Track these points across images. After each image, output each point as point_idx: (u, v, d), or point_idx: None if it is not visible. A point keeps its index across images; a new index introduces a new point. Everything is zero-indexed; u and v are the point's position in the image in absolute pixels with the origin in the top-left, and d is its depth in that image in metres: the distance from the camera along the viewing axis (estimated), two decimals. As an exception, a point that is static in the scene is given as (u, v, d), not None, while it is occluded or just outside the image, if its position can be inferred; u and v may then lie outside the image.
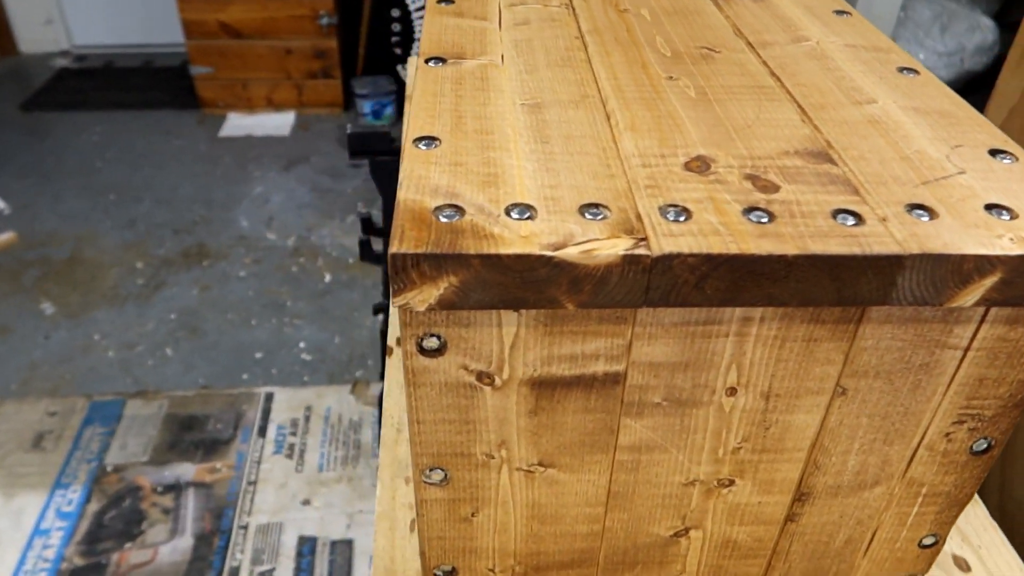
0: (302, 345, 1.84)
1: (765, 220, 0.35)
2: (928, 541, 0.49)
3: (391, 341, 0.77)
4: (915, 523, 0.48)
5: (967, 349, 0.39)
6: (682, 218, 0.34)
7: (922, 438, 0.43)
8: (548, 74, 0.47)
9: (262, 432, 1.58)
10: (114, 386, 1.68)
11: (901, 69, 0.50)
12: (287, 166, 2.57)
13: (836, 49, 0.53)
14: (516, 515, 0.45)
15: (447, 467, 0.42)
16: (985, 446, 0.44)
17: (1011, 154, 0.41)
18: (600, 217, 0.34)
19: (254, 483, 1.47)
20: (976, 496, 0.61)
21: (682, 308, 0.36)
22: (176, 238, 2.17)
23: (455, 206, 0.35)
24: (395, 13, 2.65)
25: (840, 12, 0.59)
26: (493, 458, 0.42)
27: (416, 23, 2.67)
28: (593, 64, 0.49)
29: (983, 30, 2.85)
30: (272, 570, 1.32)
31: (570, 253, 0.32)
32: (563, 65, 0.49)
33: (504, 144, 0.40)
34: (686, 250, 0.32)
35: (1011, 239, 0.34)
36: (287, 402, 1.67)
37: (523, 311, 0.35)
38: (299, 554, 1.35)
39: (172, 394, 1.66)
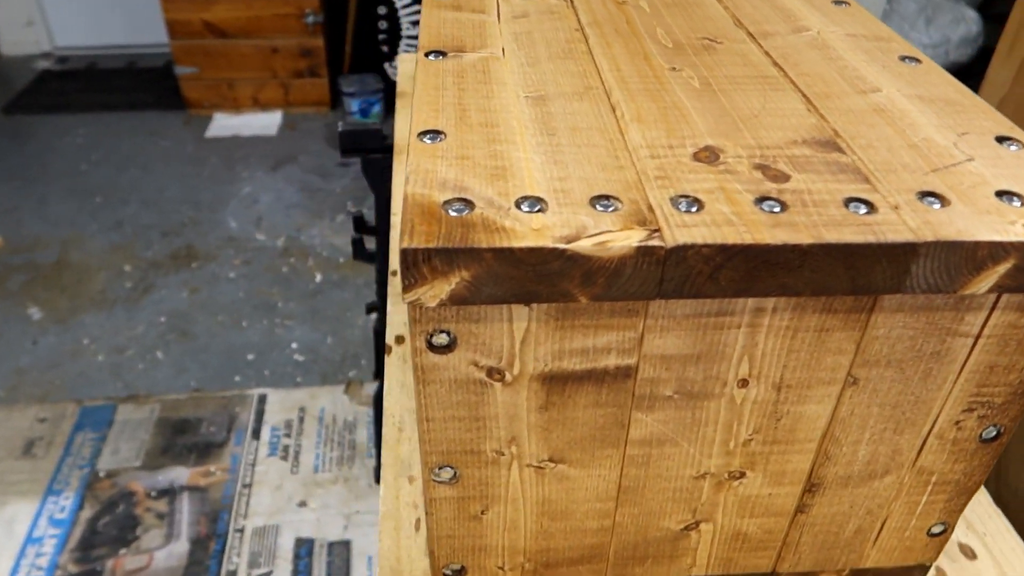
0: (294, 346, 1.83)
1: (778, 210, 0.34)
2: (937, 529, 0.49)
3: (389, 340, 0.77)
4: (924, 512, 0.48)
5: (978, 336, 0.39)
6: (694, 209, 0.34)
7: (932, 426, 0.43)
8: (550, 66, 0.47)
9: (256, 434, 1.57)
10: (104, 391, 1.66)
11: (903, 58, 0.50)
12: (275, 166, 2.55)
13: (837, 39, 0.52)
14: (526, 512, 0.44)
15: (456, 465, 0.41)
16: (994, 433, 0.44)
17: (1018, 140, 0.41)
18: (611, 209, 0.34)
19: (249, 486, 1.46)
20: (980, 484, 0.61)
21: (694, 300, 0.35)
22: (164, 240, 2.15)
23: (464, 200, 0.34)
24: (381, 11, 2.64)
25: (839, 2, 0.58)
26: (503, 455, 0.41)
27: (403, 20, 2.65)
28: (595, 56, 0.48)
29: (967, 22, 2.87)
30: (269, 573, 1.31)
31: (583, 245, 0.32)
32: (565, 57, 0.48)
33: (510, 137, 0.39)
34: (700, 241, 0.32)
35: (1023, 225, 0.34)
36: (280, 403, 1.65)
37: (534, 305, 0.35)
38: (296, 556, 1.34)
39: (164, 398, 1.64)
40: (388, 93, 2.82)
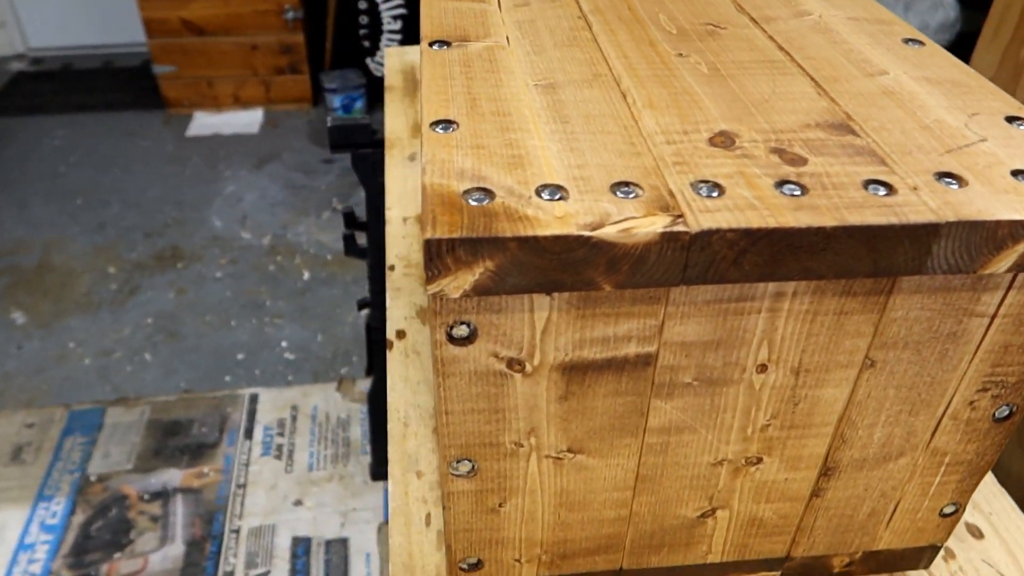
0: (284, 344, 1.82)
1: (798, 193, 0.34)
2: (949, 510, 0.50)
3: (390, 335, 0.76)
4: (937, 492, 0.48)
5: (994, 316, 0.39)
6: (715, 194, 0.34)
7: (947, 407, 0.43)
8: (557, 54, 0.46)
9: (248, 434, 1.56)
10: (93, 394, 1.64)
11: (906, 40, 0.50)
12: (258, 164, 2.52)
13: (839, 22, 0.52)
14: (544, 503, 0.44)
15: (475, 458, 0.41)
16: (1007, 412, 0.44)
17: (1028, 120, 0.41)
18: (632, 195, 0.34)
19: (243, 486, 1.45)
20: (984, 463, 0.62)
21: (715, 285, 0.35)
22: (148, 241, 2.12)
23: (484, 189, 0.34)
24: (362, 5, 2.62)
25: (838, -14, 0.58)
26: (522, 446, 0.41)
27: (384, 15, 2.63)
28: (600, 43, 0.48)
29: (945, 7, 2.90)
30: (267, 573, 1.30)
31: (608, 232, 0.31)
32: (570, 45, 0.48)
33: (524, 125, 0.39)
34: (724, 225, 0.32)
35: (1042, 203, 0.34)
36: (272, 402, 1.64)
37: (555, 295, 0.35)
38: (294, 555, 1.33)
39: (153, 400, 1.63)
40: (370, 88, 2.80)
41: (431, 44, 0.47)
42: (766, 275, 0.34)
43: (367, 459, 1.53)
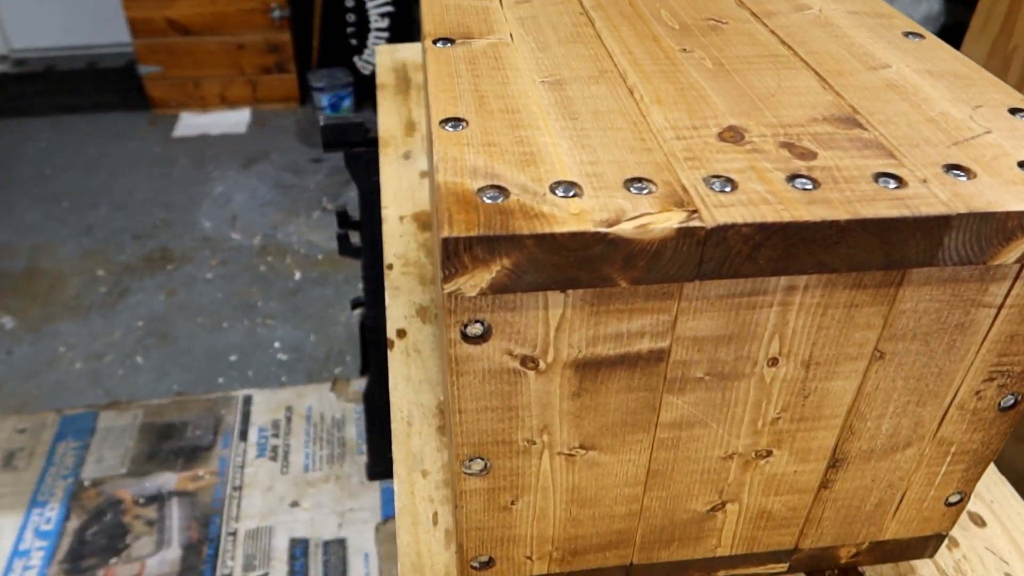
0: (277, 345, 1.81)
1: (810, 187, 0.34)
2: (954, 499, 0.50)
3: (390, 334, 0.76)
4: (943, 482, 0.48)
5: (1001, 307, 0.39)
6: (728, 188, 0.34)
7: (954, 397, 0.43)
8: (561, 51, 0.46)
9: (243, 436, 1.55)
10: (84, 398, 1.62)
11: (906, 34, 0.50)
12: (247, 164, 2.51)
13: (839, 16, 0.53)
14: (555, 500, 0.44)
15: (488, 456, 0.41)
16: (1012, 402, 0.44)
17: (1031, 112, 0.41)
18: (646, 191, 0.34)
19: (239, 488, 1.44)
20: (985, 452, 0.62)
21: (728, 280, 0.35)
22: (137, 243, 2.11)
23: (498, 187, 0.34)
24: (349, 3, 2.60)
25: (836, -20, 0.59)
26: (535, 444, 0.41)
27: (371, 12, 2.62)
28: (603, 39, 0.48)
29: (929, 1, 2.92)
30: (265, 575, 1.30)
31: (624, 229, 0.31)
32: (574, 41, 0.48)
33: (533, 122, 0.39)
34: (740, 220, 0.32)
35: (1050, 194, 0.34)
36: (266, 404, 1.63)
37: (570, 292, 0.35)
38: (292, 557, 1.33)
39: (146, 403, 1.61)
40: (358, 87, 2.79)
41: (435, 41, 0.47)
42: (780, 269, 0.34)
43: (363, 459, 1.53)
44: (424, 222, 0.92)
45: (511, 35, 0.48)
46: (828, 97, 0.42)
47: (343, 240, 1.28)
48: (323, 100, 2.77)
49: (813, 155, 0.37)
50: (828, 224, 0.32)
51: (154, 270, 2.01)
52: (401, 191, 0.97)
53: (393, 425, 0.66)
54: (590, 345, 0.37)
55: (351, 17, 2.64)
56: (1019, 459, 1.10)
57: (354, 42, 2.71)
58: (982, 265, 0.36)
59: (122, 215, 2.21)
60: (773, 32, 0.50)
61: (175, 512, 1.39)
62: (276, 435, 1.56)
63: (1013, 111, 0.41)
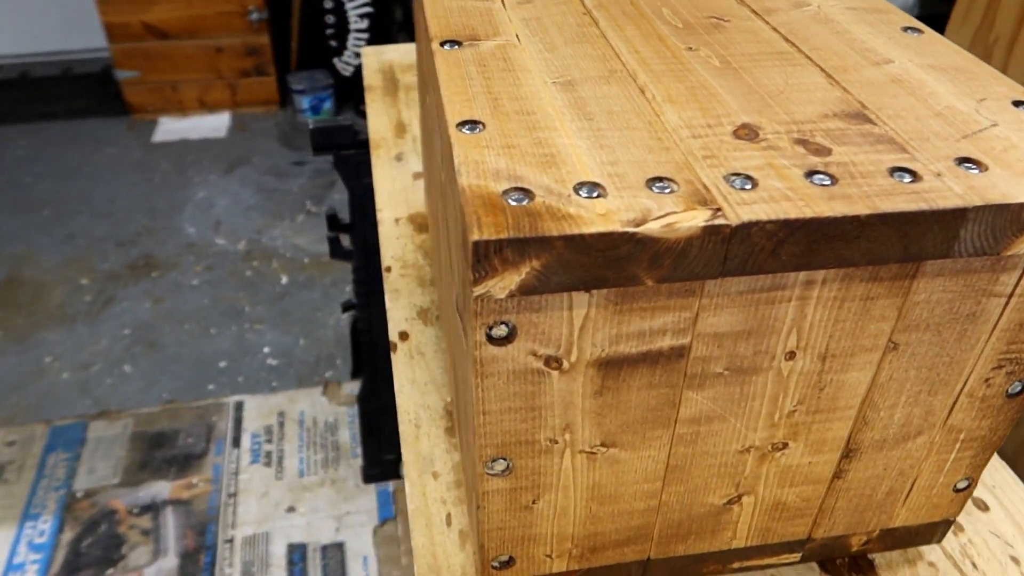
0: (266, 350, 1.80)
1: (828, 183, 0.35)
2: (962, 485, 0.51)
3: (392, 337, 0.76)
4: (952, 469, 0.49)
5: (1011, 296, 0.40)
6: (748, 186, 0.34)
7: (964, 385, 0.44)
8: (569, 51, 0.47)
9: (236, 442, 1.54)
10: (73, 409, 1.60)
11: (905, 28, 0.51)
12: (228, 168, 2.49)
13: (838, 12, 0.53)
14: (576, 498, 0.45)
15: (511, 456, 0.41)
16: (1020, 388, 0.45)
17: (1034, 104, 0.42)
18: (668, 190, 0.34)
19: (234, 495, 1.43)
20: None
21: (749, 276, 0.36)
22: (120, 250, 2.08)
23: (522, 189, 0.34)
24: (328, 4, 2.59)
25: (831, -24, 0.59)
26: (557, 443, 0.41)
27: (350, 13, 2.61)
28: (609, 39, 0.48)
29: (903, -7, 2.95)
30: (264, 581, 1.29)
31: (652, 228, 0.32)
32: (580, 41, 0.48)
33: (550, 124, 0.39)
34: (764, 217, 0.32)
35: (1060, 185, 0.35)
36: (258, 409, 1.62)
37: (594, 291, 0.35)
38: (290, 562, 1.32)
39: (136, 412, 1.60)
40: (339, 88, 2.77)
41: (442, 44, 0.47)
42: (801, 264, 0.34)
43: (358, 462, 1.52)
44: (420, 224, 0.92)
45: (517, 36, 0.48)
46: (836, 93, 0.43)
47: (334, 243, 1.27)
48: (303, 102, 2.75)
49: (828, 151, 0.37)
50: (849, 219, 0.33)
51: (139, 277, 1.99)
52: (395, 193, 0.97)
53: (401, 428, 0.66)
54: (613, 344, 0.37)
55: (330, 19, 2.62)
56: (1007, 444, 1.12)
57: (334, 43, 2.70)
58: (994, 256, 0.37)
59: (104, 222, 2.18)
60: (775, 29, 0.50)
61: (170, 521, 1.38)
62: (269, 441, 1.55)
63: (1017, 103, 0.42)
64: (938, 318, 0.40)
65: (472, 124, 0.39)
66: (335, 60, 2.74)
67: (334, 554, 1.34)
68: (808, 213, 0.33)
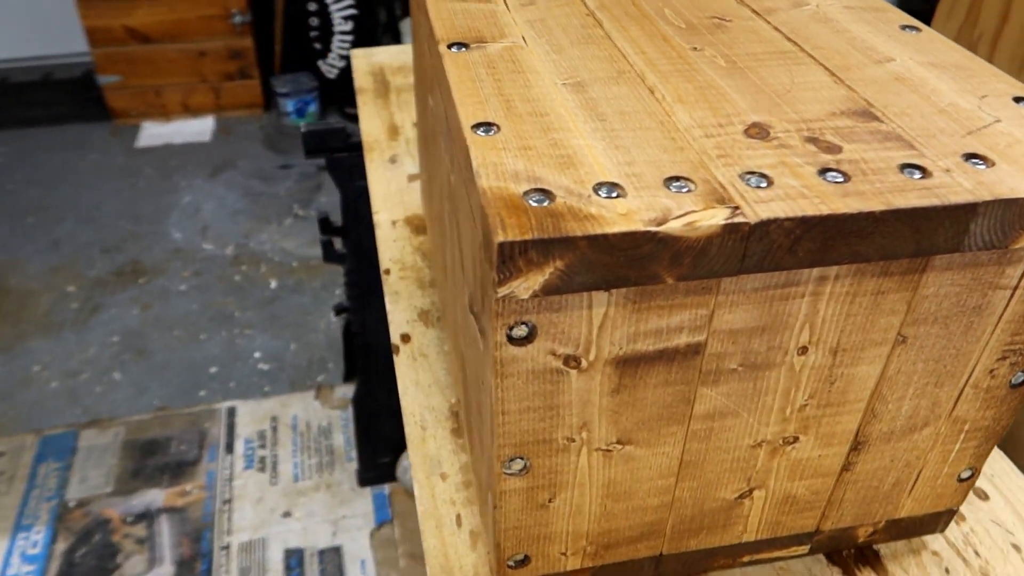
0: (257, 355, 1.79)
1: (841, 180, 0.35)
2: (966, 475, 0.52)
3: (394, 339, 0.76)
4: (956, 459, 0.50)
5: (1015, 288, 0.41)
6: (763, 184, 0.35)
7: (969, 377, 0.45)
8: (576, 52, 0.47)
9: (229, 448, 1.53)
10: (63, 418, 1.59)
11: (903, 27, 0.52)
12: (214, 172, 2.48)
13: (837, 11, 0.54)
14: (591, 495, 0.45)
15: (528, 455, 0.41)
16: (1023, 379, 0.46)
17: (1034, 100, 0.43)
18: (686, 190, 0.34)
19: (229, 501, 1.43)
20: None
21: (764, 273, 0.36)
22: (106, 257, 2.07)
23: (542, 190, 0.34)
24: (312, 7, 2.58)
25: (827, -24, 0.60)
26: (574, 441, 0.42)
27: (335, 16, 2.60)
28: (614, 40, 0.49)
29: (883, -9, 2.99)
30: (262, 587, 1.29)
31: (673, 227, 0.32)
32: (586, 43, 0.48)
33: (563, 125, 0.39)
34: (781, 215, 0.33)
35: (1065, 179, 0.36)
36: (251, 415, 1.62)
37: (613, 290, 0.35)
38: (287, 568, 1.32)
39: (127, 419, 1.59)
40: (323, 91, 2.77)
41: (450, 46, 0.47)
42: (817, 260, 0.35)
43: (353, 466, 1.52)
44: (417, 226, 0.92)
45: (523, 38, 0.49)
46: (841, 91, 0.43)
47: (327, 247, 1.27)
48: (288, 105, 2.74)
49: (838, 149, 0.38)
50: (864, 215, 0.34)
51: (126, 284, 1.97)
52: (390, 195, 0.97)
53: (407, 431, 0.66)
54: (630, 342, 0.38)
55: (314, 21, 2.61)
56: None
57: (318, 46, 2.69)
58: (1002, 249, 0.37)
59: (89, 229, 2.16)
60: (777, 29, 0.51)
61: (165, 529, 1.37)
62: (263, 446, 1.54)
63: (1017, 100, 0.43)
64: (946, 311, 0.41)
65: (487, 126, 0.39)
66: (319, 62, 2.73)
67: (331, 558, 1.34)
68: (824, 210, 0.33)
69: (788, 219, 0.33)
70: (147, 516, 1.39)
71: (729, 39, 0.49)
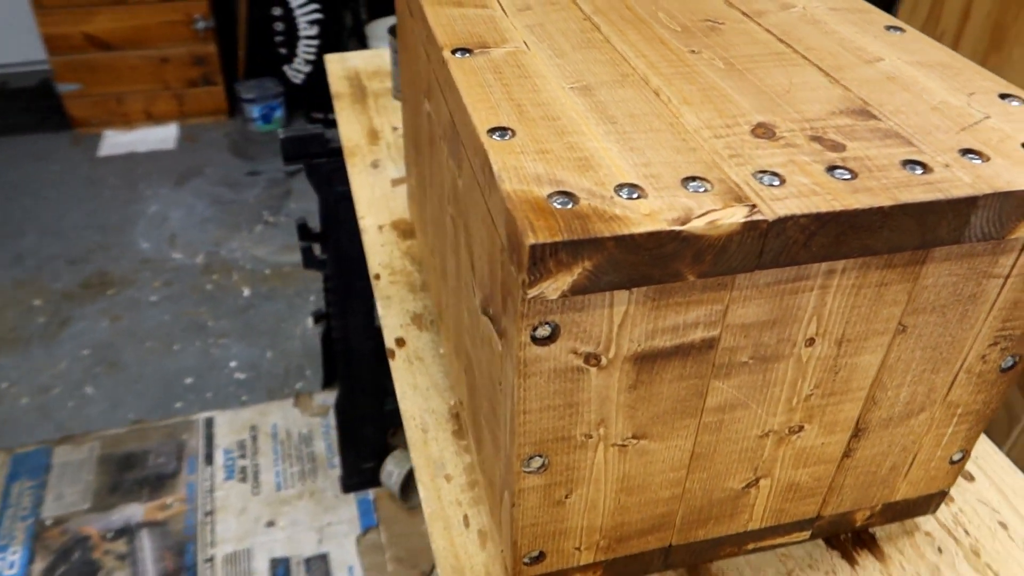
0: (233, 364, 1.77)
1: (848, 177, 0.37)
2: (957, 457, 0.54)
3: (389, 343, 0.76)
4: (949, 442, 0.52)
5: (1007, 276, 0.43)
6: (776, 182, 0.36)
7: (963, 362, 0.47)
8: (578, 56, 0.48)
9: (209, 459, 1.51)
10: (35, 435, 1.55)
11: (888, 27, 0.54)
12: (180, 180, 2.44)
13: (823, 13, 0.56)
14: (606, 490, 0.46)
15: (547, 453, 0.42)
16: (1012, 363, 0.48)
17: (1018, 97, 0.45)
18: (703, 189, 0.35)
19: (211, 513, 1.41)
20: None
21: (776, 268, 0.38)
22: (73, 269, 2.02)
23: (564, 192, 0.35)
24: (276, 11, 2.56)
25: (810, -21, 0.62)
26: (591, 437, 0.42)
27: (300, 20, 2.58)
28: (614, 44, 0.50)
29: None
30: (249, 598, 1.27)
31: (696, 226, 0.33)
32: (587, 47, 0.49)
33: (576, 128, 0.40)
34: (797, 211, 0.34)
35: (1056, 171, 0.38)
36: (229, 425, 1.60)
37: (634, 289, 0.36)
38: (274, 577, 1.31)
39: (102, 434, 1.56)
40: (289, 96, 2.74)
41: (453, 52, 0.48)
42: (829, 255, 0.36)
43: (336, 472, 1.51)
44: (404, 230, 0.92)
45: (525, 43, 0.49)
46: (838, 91, 0.45)
47: (307, 253, 1.26)
48: (254, 111, 2.71)
49: (842, 147, 0.39)
50: (874, 211, 0.35)
51: (94, 296, 1.94)
52: (375, 200, 0.97)
53: (408, 434, 0.67)
54: (648, 338, 0.39)
55: (279, 26, 2.59)
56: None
57: (283, 51, 2.66)
58: (998, 240, 0.39)
59: (54, 241, 2.12)
60: (768, 31, 0.53)
61: (146, 544, 1.34)
62: (243, 456, 1.53)
63: (1002, 96, 0.45)
64: (943, 300, 0.43)
65: (502, 131, 0.40)
66: (285, 67, 2.71)
67: (319, 566, 1.33)
68: (837, 206, 0.35)
69: (803, 216, 0.34)
70: (127, 531, 1.36)
71: (724, 41, 0.51)
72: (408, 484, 1.43)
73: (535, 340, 0.37)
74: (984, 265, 0.42)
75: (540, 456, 0.42)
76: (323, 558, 1.34)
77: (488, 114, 0.41)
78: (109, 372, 1.72)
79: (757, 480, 0.49)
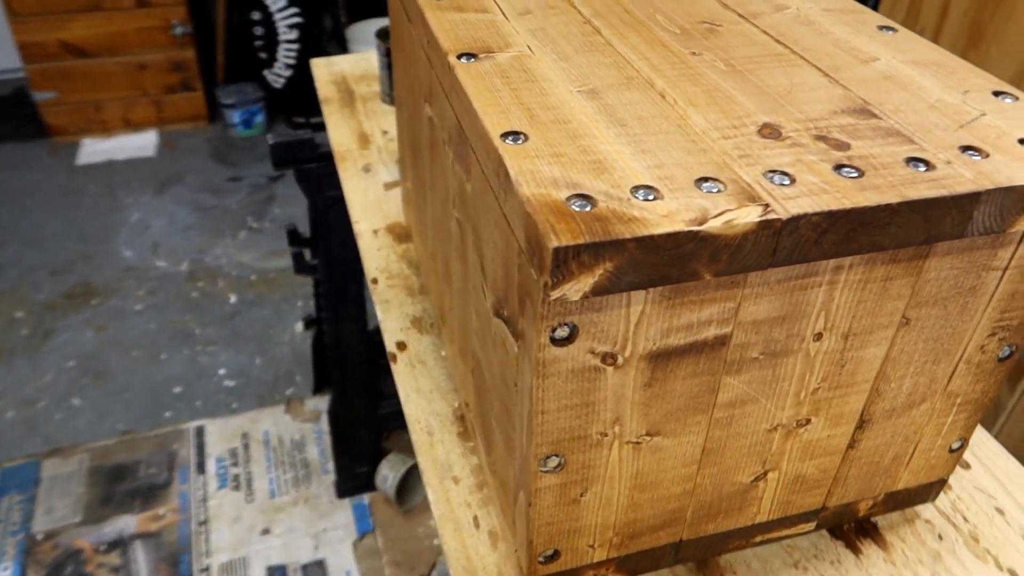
0: (222, 372, 1.76)
1: (855, 175, 0.38)
2: (956, 445, 0.55)
3: (390, 347, 0.76)
4: (948, 431, 0.53)
5: (1006, 268, 0.44)
6: (787, 182, 0.37)
7: (963, 353, 0.48)
8: (582, 60, 0.49)
9: (201, 468, 1.50)
10: (23, 448, 1.53)
11: (880, 27, 0.55)
12: (160, 188, 2.42)
13: (817, 14, 0.57)
14: (620, 488, 0.46)
15: (564, 452, 0.43)
16: (1008, 352, 0.50)
17: (1010, 94, 0.46)
18: (717, 190, 0.36)
19: (205, 522, 1.40)
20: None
21: (788, 266, 0.38)
22: (55, 279, 2.00)
23: (582, 195, 0.35)
24: (255, 16, 2.54)
25: (801, -20, 0.63)
26: (606, 435, 0.43)
27: (279, 24, 2.57)
28: (616, 47, 0.51)
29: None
30: (246, 607, 1.27)
31: (713, 226, 0.34)
32: (590, 50, 0.50)
33: (587, 131, 0.41)
34: (809, 210, 0.35)
35: (1053, 166, 0.39)
36: (220, 433, 1.59)
37: (651, 288, 0.37)
38: (271, 585, 1.30)
39: (91, 446, 1.54)
40: (270, 101, 2.73)
41: (459, 57, 0.48)
42: (840, 252, 0.37)
43: (330, 478, 1.51)
44: (399, 234, 0.92)
45: (528, 47, 0.50)
46: (838, 91, 0.46)
47: (298, 259, 1.26)
48: (234, 117, 2.70)
49: (847, 146, 0.40)
50: (883, 208, 0.36)
51: (78, 306, 1.92)
52: (368, 205, 0.97)
53: (413, 437, 0.67)
54: (664, 337, 0.39)
55: (259, 30, 2.57)
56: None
57: (263, 55, 2.65)
58: (1002, 234, 0.40)
59: (34, 251, 2.09)
60: (765, 32, 0.54)
61: (140, 555, 1.33)
62: (235, 464, 1.52)
63: (996, 93, 0.46)
64: (945, 293, 0.44)
65: (515, 135, 0.40)
66: (265, 72, 2.69)
67: (315, 572, 1.33)
68: (847, 204, 0.36)
69: (815, 214, 0.35)
70: (120, 543, 1.35)
71: (723, 43, 0.52)
72: (403, 488, 1.43)
73: (554, 341, 0.37)
74: (984, 258, 0.43)
75: (557, 455, 0.43)
76: (320, 564, 1.34)
77: (499, 119, 0.42)
78: (96, 383, 1.70)
79: (765, 473, 0.50)
